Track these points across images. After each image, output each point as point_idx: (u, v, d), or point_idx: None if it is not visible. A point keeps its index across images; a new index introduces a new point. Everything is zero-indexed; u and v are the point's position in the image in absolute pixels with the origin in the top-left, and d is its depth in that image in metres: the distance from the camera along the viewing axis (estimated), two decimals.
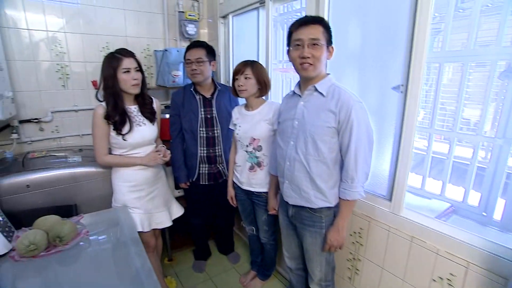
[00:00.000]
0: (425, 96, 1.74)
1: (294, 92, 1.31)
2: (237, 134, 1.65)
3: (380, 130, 1.36)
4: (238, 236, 2.56)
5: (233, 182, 1.79)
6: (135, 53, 1.49)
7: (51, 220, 1.22)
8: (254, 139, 1.59)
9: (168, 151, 1.59)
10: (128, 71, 1.42)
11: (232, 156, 1.77)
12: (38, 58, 1.95)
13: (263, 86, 1.57)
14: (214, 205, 2.13)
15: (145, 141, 1.55)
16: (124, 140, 1.46)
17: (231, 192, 1.82)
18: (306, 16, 1.22)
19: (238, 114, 1.68)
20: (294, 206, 1.34)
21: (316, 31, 1.12)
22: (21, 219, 1.30)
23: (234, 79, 1.58)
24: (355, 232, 1.50)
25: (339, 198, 1.23)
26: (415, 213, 1.27)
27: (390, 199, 1.34)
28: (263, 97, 1.65)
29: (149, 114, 1.56)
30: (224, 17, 2.36)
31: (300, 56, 1.15)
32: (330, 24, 1.18)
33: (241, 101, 1.72)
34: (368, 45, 1.40)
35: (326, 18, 1.50)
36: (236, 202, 1.84)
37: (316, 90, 1.20)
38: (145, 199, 1.58)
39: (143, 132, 1.52)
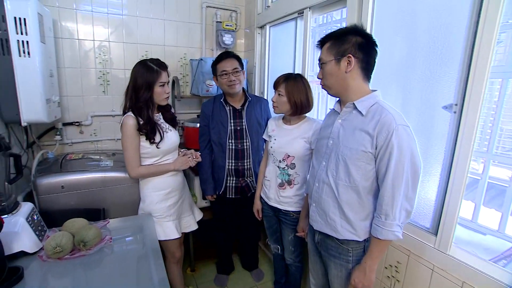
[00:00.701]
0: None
1: (334, 109, 1.21)
2: (271, 147, 1.57)
3: (426, 153, 1.20)
4: (263, 253, 2.46)
5: (261, 197, 1.72)
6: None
7: (78, 223, 1.25)
8: (289, 156, 1.51)
9: (198, 152, 1.61)
10: (163, 85, 1.45)
11: (262, 169, 1.71)
12: (84, 65, 2.08)
13: (297, 107, 1.45)
14: (240, 219, 2.07)
15: (174, 147, 1.57)
16: (158, 148, 1.47)
17: (257, 204, 1.75)
18: None
19: (275, 126, 1.61)
20: (320, 232, 1.22)
21: (322, 52, 1.11)
22: (54, 218, 1.35)
23: None
24: (391, 265, 1.34)
25: (370, 233, 1.08)
26: (468, 253, 1.09)
27: (435, 234, 1.16)
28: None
29: (170, 120, 1.59)
30: (262, 27, 2.33)
31: None
32: (373, 35, 1.07)
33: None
34: (415, 57, 1.25)
35: (368, 29, 1.39)
36: (262, 217, 1.76)
37: (355, 108, 1.07)
38: (177, 205, 1.60)
39: (171, 138, 1.54)
